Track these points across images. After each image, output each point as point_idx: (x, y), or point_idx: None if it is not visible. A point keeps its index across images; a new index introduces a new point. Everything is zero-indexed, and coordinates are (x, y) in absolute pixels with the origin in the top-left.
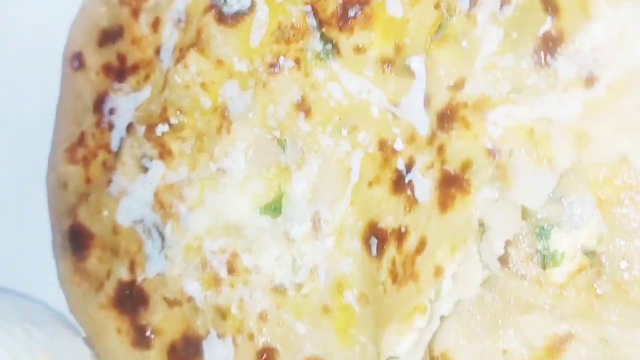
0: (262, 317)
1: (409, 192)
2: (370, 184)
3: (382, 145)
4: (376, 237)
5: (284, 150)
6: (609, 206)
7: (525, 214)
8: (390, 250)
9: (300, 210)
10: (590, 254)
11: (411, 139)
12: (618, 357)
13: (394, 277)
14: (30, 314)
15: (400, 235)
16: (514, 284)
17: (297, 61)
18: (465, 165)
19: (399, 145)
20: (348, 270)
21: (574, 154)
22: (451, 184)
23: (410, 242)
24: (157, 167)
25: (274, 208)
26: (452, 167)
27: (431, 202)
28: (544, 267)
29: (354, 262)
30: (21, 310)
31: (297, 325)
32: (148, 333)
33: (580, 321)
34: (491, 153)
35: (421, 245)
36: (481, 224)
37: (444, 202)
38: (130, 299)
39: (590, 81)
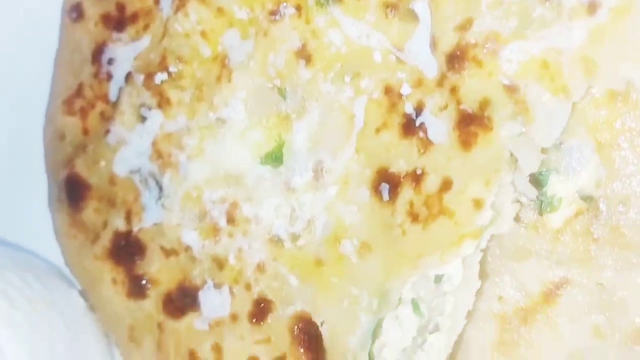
0: (260, 268)
1: (421, 134)
2: (377, 130)
3: (388, 90)
4: (387, 182)
5: (285, 99)
6: (607, 150)
7: None
8: (406, 193)
9: (302, 160)
10: (588, 198)
11: (418, 82)
12: (613, 300)
13: (415, 217)
14: (28, 265)
15: (416, 177)
16: (510, 231)
17: (298, 8)
18: (484, 104)
19: (405, 89)
20: (350, 219)
21: (586, 81)
22: (470, 123)
23: (430, 183)
24: (156, 116)
25: (275, 157)
26: (469, 106)
27: (449, 142)
28: (541, 213)
29: (359, 211)
30: (19, 262)
31: (290, 278)
32: (144, 283)
33: (577, 266)
34: (509, 89)
35: (446, 185)
36: (512, 155)
37: (466, 140)
38: (126, 250)
39: (592, 7)
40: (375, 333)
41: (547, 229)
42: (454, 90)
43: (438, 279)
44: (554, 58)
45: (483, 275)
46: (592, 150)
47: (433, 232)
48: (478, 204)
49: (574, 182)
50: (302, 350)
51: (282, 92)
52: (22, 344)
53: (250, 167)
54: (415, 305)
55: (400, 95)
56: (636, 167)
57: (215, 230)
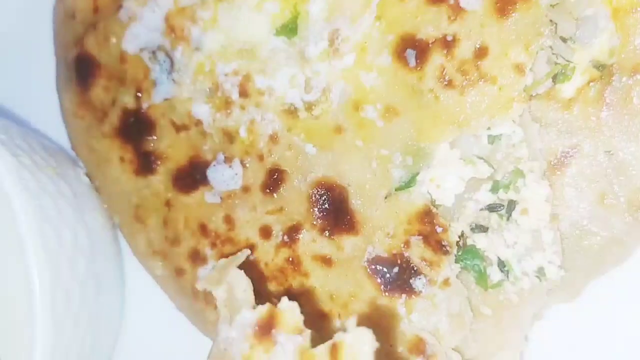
0: (273, 139)
1: (451, 1)
2: None
3: None
4: (414, 48)
5: None
6: (623, 16)
7: None
8: (436, 59)
9: (317, 30)
10: (601, 66)
11: None
12: (621, 167)
13: (449, 83)
14: (35, 137)
15: (447, 44)
16: None
17: None
18: None
19: None
20: (370, 84)
21: None
22: None
23: (464, 49)
24: None
25: (290, 28)
26: None
27: (484, 9)
28: (554, 82)
29: (380, 76)
30: (26, 134)
31: (307, 147)
32: (153, 159)
33: (586, 135)
34: None
35: (482, 51)
36: (551, 20)
37: (503, 7)
38: (135, 127)
39: None
40: (410, 182)
41: (558, 98)
42: None
43: (492, 139)
44: None
45: None
46: (607, 18)
47: (474, 97)
48: (519, 68)
49: (588, 50)
50: (319, 215)
51: None
52: (29, 195)
53: (265, 39)
54: (468, 160)
55: None
56: None
57: (227, 103)
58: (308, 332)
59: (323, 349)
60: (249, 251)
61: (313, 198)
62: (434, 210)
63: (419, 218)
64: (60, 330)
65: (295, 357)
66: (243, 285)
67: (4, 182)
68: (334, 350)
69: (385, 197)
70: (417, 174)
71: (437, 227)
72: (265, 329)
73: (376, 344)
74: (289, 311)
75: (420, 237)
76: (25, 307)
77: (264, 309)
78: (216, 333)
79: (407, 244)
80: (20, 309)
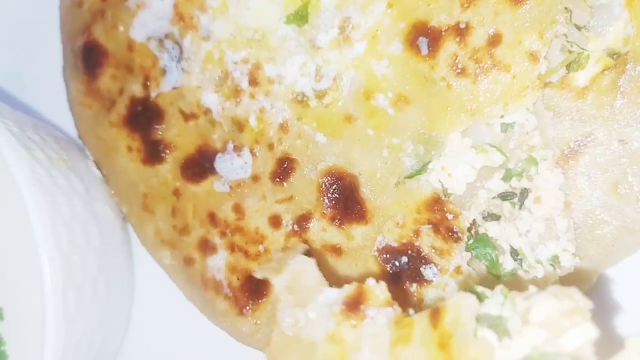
0: (283, 128)
1: None
2: None
3: None
4: (426, 36)
5: None
6: (637, 4)
7: None
8: (449, 47)
9: (328, 17)
10: (615, 55)
11: None
12: (635, 156)
13: (462, 71)
14: (46, 129)
15: (460, 31)
16: None
17: None
18: None
19: None
20: (382, 73)
21: None
22: None
23: (477, 37)
24: None
25: (301, 16)
26: None
27: None
28: (568, 70)
29: (391, 64)
30: (37, 125)
31: (317, 136)
32: (161, 148)
33: (600, 123)
34: None
35: (495, 38)
36: (566, 8)
37: None
38: (143, 115)
39: None
40: (420, 170)
41: (572, 87)
42: None
43: (504, 127)
44: None
45: None
46: (621, 6)
47: (487, 85)
48: (533, 56)
49: (602, 39)
50: (329, 204)
51: None
52: (43, 191)
53: (275, 27)
54: (480, 148)
55: None
56: None
57: (236, 92)
58: (398, 307)
59: (423, 315)
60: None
61: (323, 187)
62: (444, 198)
63: (429, 206)
64: (72, 327)
65: (389, 328)
66: (313, 270)
67: (17, 179)
68: (436, 315)
69: (395, 186)
70: (429, 162)
71: (447, 214)
72: (354, 305)
73: (478, 307)
74: (377, 287)
75: (430, 226)
76: (38, 304)
77: (351, 287)
78: (275, 323)
79: (417, 233)
80: (31, 307)
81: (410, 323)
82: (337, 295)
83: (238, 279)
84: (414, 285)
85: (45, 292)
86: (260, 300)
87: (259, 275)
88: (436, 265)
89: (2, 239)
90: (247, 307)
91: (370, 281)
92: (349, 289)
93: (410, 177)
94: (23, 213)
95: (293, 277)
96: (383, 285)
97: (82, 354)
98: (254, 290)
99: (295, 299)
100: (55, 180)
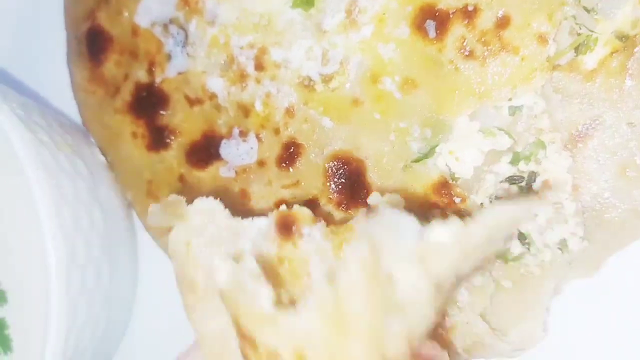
0: (289, 112)
1: None
2: None
3: None
4: (433, 19)
5: None
6: None
7: None
8: (457, 29)
9: (334, 1)
10: (624, 37)
11: None
12: None
13: (470, 53)
14: (51, 114)
15: (468, 14)
16: None
17: None
18: None
19: None
20: (388, 56)
21: None
22: None
23: (486, 19)
24: None
25: (307, 0)
26: None
27: None
28: (576, 53)
29: (398, 48)
30: (42, 110)
31: (324, 121)
32: (166, 134)
33: (608, 106)
34: None
35: (504, 20)
36: None
37: None
38: (148, 101)
39: None
40: (428, 154)
41: (580, 70)
42: None
43: (512, 110)
44: None
45: None
46: None
47: (495, 68)
48: (542, 38)
49: (610, 21)
50: (335, 189)
51: None
52: (48, 175)
53: (281, 11)
54: (488, 132)
55: None
56: None
57: (242, 77)
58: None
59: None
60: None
61: (329, 172)
62: (452, 181)
63: (436, 190)
64: (75, 310)
65: (327, 240)
66: (223, 210)
67: (22, 160)
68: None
69: (402, 169)
70: (436, 146)
71: (455, 197)
72: (285, 228)
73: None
74: (301, 209)
75: (438, 210)
76: (41, 288)
77: (276, 212)
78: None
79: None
80: (35, 289)
81: (348, 227)
82: (267, 221)
83: None
84: None
85: (49, 273)
86: None
87: (152, 221)
88: None
89: (5, 221)
90: None
91: (295, 206)
92: (275, 215)
93: (417, 160)
94: (28, 195)
95: (202, 220)
96: (304, 208)
97: (85, 339)
98: None
99: (209, 242)
100: (60, 164)
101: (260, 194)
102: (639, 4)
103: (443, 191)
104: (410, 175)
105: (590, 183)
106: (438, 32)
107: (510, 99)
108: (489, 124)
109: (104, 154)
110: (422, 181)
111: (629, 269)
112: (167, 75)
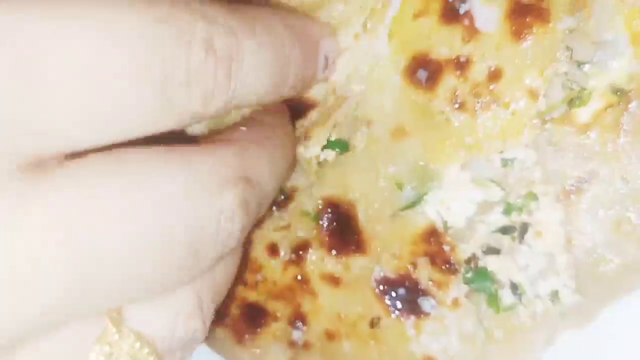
0: None
1: (466, 22)
2: (415, 16)
3: None
4: (425, 68)
5: None
6: None
7: None
8: (449, 80)
9: None
10: (619, 91)
11: None
12: (637, 195)
13: (461, 105)
14: None
15: (460, 65)
16: None
17: None
18: None
19: None
20: (379, 103)
21: None
22: (526, 14)
23: (478, 71)
24: None
25: None
26: None
27: (500, 32)
28: (570, 107)
29: (389, 95)
30: None
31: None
32: None
33: (603, 161)
34: None
35: (496, 73)
36: (567, 46)
37: (518, 31)
38: None
39: None
40: (416, 202)
41: (574, 123)
42: None
43: (504, 162)
44: None
45: None
46: (626, 43)
47: (486, 120)
48: (533, 93)
49: (606, 75)
50: (326, 233)
51: None
52: None
53: None
54: (479, 182)
55: None
56: None
57: None
58: None
59: None
60: None
61: (320, 216)
62: (443, 230)
63: (425, 238)
64: None
65: None
66: None
67: None
68: None
69: (391, 217)
70: (425, 194)
71: (444, 246)
72: None
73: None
74: None
75: (427, 258)
76: None
77: None
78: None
79: (414, 264)
80: None
81: None
82: None
83: (237, 307)
84: (412, 317)
85: None
86: (258, 329)
87: None
88: (434, 298)
89: None
90: (246, 336)
91: None
92: None
93: (404, 209)
94: None
95: None
96: None
97: None
98: (252, 319)
99: None
100: None
101: (252, 237)
102: (635, 58)
103: (432, 239)
104: (400, 223)
105: (583, 237)
106: (430, 81)
107: (501, 152)
108: (480, 174)
109: None
110: (410, 230)
111: (622, 321)
112: None
